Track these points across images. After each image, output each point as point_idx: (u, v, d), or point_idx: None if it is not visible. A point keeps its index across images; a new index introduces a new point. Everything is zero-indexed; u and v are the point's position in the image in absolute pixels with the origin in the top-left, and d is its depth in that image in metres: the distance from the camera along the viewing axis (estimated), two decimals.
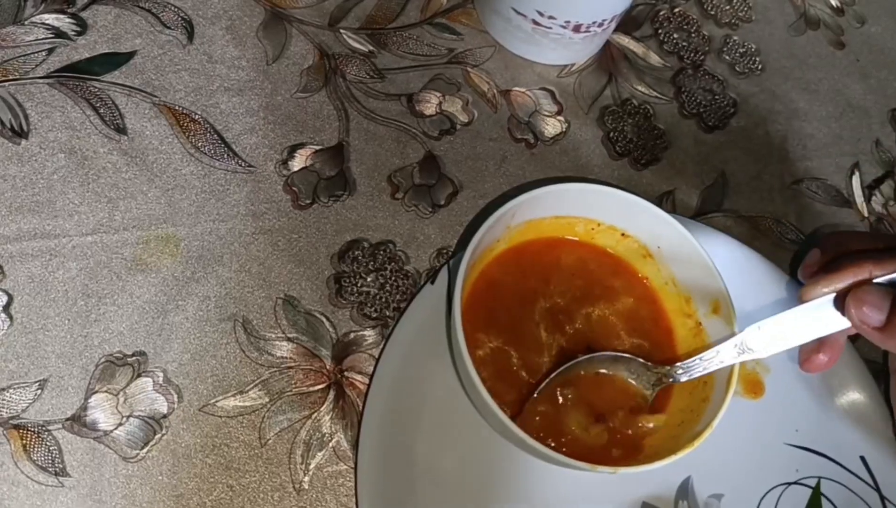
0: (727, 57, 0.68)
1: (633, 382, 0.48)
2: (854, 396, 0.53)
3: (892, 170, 0.65)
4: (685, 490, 0.49)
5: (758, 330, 0.46)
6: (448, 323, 0.49)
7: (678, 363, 0.47)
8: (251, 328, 0.49)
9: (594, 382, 0.48)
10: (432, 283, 0.51)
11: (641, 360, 0.48)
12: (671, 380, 0.47)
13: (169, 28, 0.57)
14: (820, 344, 0.50)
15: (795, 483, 0.51)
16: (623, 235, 0.51)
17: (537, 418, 0.46)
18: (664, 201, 0.59)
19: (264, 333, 0.49)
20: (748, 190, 0.61)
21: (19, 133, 0.51)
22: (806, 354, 0.51)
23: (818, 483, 0.51)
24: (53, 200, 0.50)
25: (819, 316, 0.47)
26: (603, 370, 0.48)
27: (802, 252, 0.58)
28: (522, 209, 0.48)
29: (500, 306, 0.49)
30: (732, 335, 0.46)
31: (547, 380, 0.47)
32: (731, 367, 0.45)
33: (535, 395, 0.46)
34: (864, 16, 0.73)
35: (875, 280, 0.46)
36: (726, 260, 0.49)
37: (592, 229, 0.51)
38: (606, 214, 0.51)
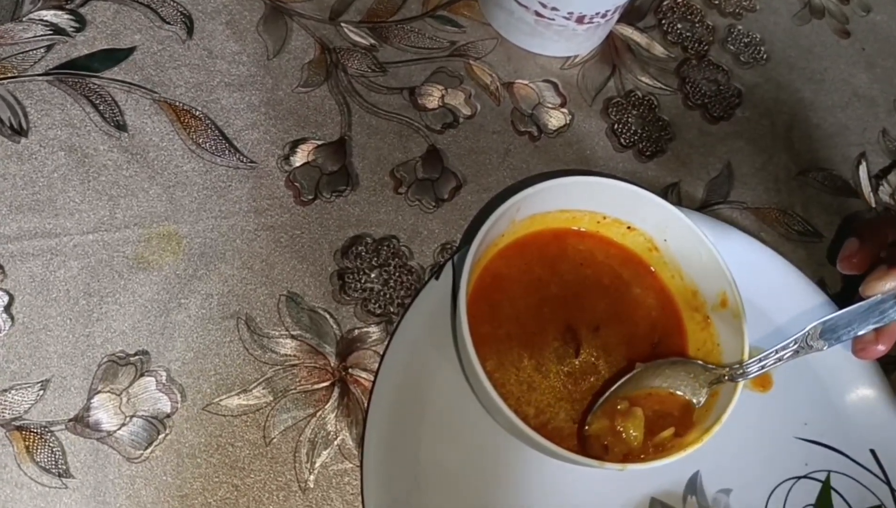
0: (731, 47, 0.67)
1: (680, 392, 0.47)
2: (863, 389, 0.53)
3: None
4: (694, 485, 0.49)
5: (817, 329, 0.46)
6: (454, 318, 0.49)
7: (737, 365, 0.46)
8: (254, 326, 0.49)
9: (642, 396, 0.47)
10: (437, 278, 0.50)
11: (701, 362, 0.47)
12: (729, 380, 0.46)
13: (168, 23, 0.56)
14: (878, 334, 0.49)
15: (805, 476, 0.50)
16: (629, 228, 0.51)
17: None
18: (669, 192, 0.59)
19: (268, 330, 0.49)
20: (754, 181, 0.61)
21: (19, 131, 0.51)
22: (863, 343, 0.50)
23: (828, 477, 0.50)
24: (54, 198, 0.50)
25: (878, 309, 0.46)
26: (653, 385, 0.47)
27: (837, 242, 0.58)
28: (527, 203, 0.47)
29: (505, 299, 0.49)
30: (741, 327, 0.46)
31: (605, 395, 0.46)
32: (740, 362, 0.45)
33: (594, 411, 0.46)
34: (870, 4, 0.73)
35: None
36: (733, 252, 0.49)
37: (598, 222, 0.51)
38: (612, 207, 0.50)
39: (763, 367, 0.46)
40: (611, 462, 0.43)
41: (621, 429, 0.45)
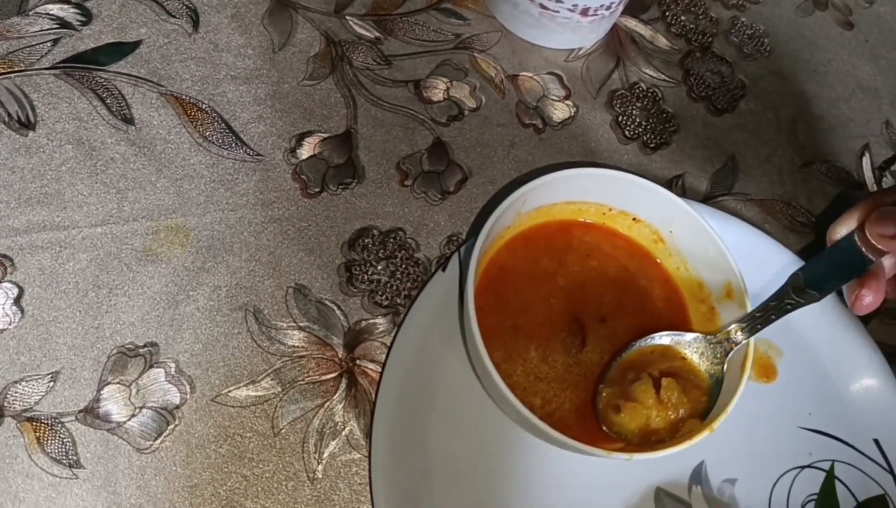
0: (735, 39, 0.67)
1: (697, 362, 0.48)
2: (867, 379, 0.53)
3: None
4: (699, 475, 0.49)
5: (799, 275, 0.47)
6: (460, 310, 0.49)
7: (732, 325, 0.47)
8: (262, 318, 0.49)
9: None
10: (443, 270, 0.50)
11: (702, 334, 0.48)
12: (735, 344, 0.47)
13: (174, 17, 0.57)
14: (861, 283, 0.49)
15: (809, 466, 0.51)
16: (634, 219, 0.51)
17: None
18: (673, 185, 0.59)
19: (275, 322, 0.49)
20: (758, 173, 0.61)
21: (26, 125, 0.51)
22: (852, 295, 0.50)
23: (832, 467, 0.51)
24: (62, 191, 0.50)
25: (853, 254, 0.46)
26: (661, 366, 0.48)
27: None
28: (533, 195, 0.48)
29: (511, 291, 0.49)
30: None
31: (609, 370, 0.47)
32: (745, 352, 0.45)
33: (602, 387, 0.47)
34: None
35: None
36: (737, 244, 0.49)
37: (603, 214, 0.51)
38: (618, 199, 0.50)
39: (757, 328, 0.46)
40: (620, 438, 0.44)
41: (632, 390, 0.45)
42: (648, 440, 0.45)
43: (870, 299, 0.49)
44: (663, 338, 0.48)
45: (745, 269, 0.48)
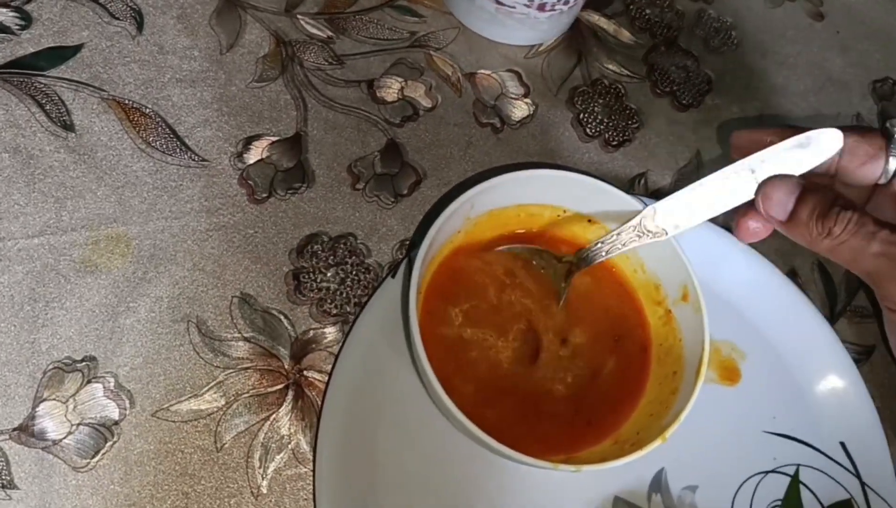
0: (701, 32, 0.66)
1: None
2: (833, 381, 0.52)
3: None
4: (658, 482, 0.48)
5: (654, 212, 0.46)
6: (406, 318, 0.48)
7: (580, 250, 0.48)
8: (206, 329, 0.47)
9: None
10: (393, 276, 0.49)
11: (552, 252, 0.49)
12: (577, 268, 0.48)
13: (117, 19, 0.55)
14: (748, 210, 0.46)
15: (773, 471, 0.49)
16: (590, 221, 0.50)
17: None
18: (637, 183, 0.58)
19: (220, 333, 0.47)
20: None
21: None
22: (739, 222, 0.47)
23: (797, 471, 0.49)
24: None
25: (727, 187, 0.45)
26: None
27: None
28: (481, 199, 0.46)
29: (463, 298, 0.48)
30: (701, 322, 0.45)
31: None
32: (700, 357, 0.44)
33: None
34: None
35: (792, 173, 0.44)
36: (701, 244, 0.48)
37: (558, 216, 0.50)
38: (572, 200, 0.49)
39: (608, 253, 0.47)
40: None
41: None
42: None
43: (758, 229, 0.47)
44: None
45: (709, 270, 0.46)
